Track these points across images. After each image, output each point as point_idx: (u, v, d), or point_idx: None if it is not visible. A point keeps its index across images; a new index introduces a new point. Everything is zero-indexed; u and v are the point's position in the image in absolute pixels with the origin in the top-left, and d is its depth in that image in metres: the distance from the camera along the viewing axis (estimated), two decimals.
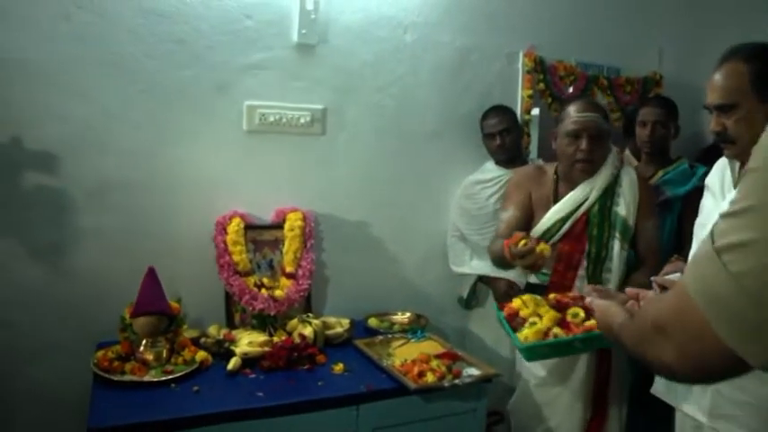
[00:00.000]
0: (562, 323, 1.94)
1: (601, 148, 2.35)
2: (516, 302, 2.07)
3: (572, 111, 2.36)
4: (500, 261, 2.39)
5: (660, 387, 2.03)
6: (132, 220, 2.46)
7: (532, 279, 2.44)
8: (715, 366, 0.79)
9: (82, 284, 2.41)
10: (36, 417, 2.36)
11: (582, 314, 1.94)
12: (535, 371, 2.35)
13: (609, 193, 2.36)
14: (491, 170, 3.01)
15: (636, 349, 0.97)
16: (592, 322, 1.88)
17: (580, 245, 2.35)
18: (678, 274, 1.87)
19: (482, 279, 2.98)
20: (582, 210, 2.35)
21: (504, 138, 2.93)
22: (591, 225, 2.35)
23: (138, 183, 2.46)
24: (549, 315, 1.95)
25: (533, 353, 1.94)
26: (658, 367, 0.90)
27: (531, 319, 1.97)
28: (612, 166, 2.39)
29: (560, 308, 2.01)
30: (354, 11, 2.79)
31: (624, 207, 2.35)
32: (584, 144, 2.30)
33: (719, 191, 1.89)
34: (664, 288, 1.82)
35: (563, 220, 2.36)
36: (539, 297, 2.10)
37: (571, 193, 2.37)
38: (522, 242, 2.06)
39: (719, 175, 1.93)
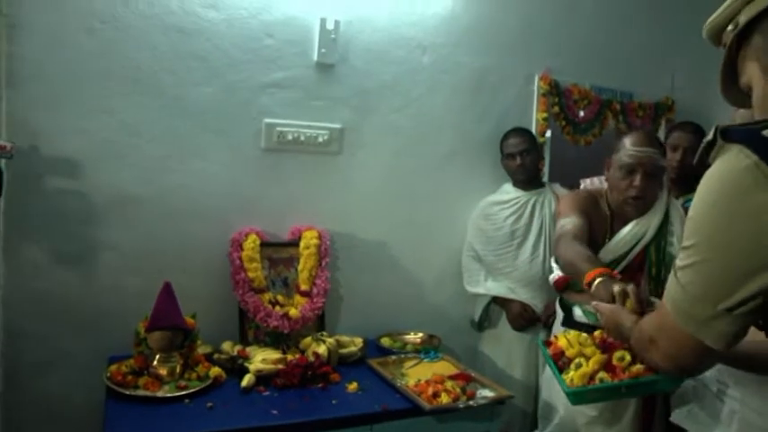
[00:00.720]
0: (607, 366, 1.86)
1: (654, 185, 2.25)
2: (562, 341, 1.97)
3: (628, 143, 2.23)
4: (571, 264, 2.16)
5: (679, 417, 2.00)
6: (149, 235, 2.48)
7: (584, 318, 2.32)
8: (689, 359, 1.13)
9: (96, 297, 2.41)
10: (45, 428, 2.36)
11: (628, 357, 1.87)
12: (586, 410, 2.25)
13: (663, 232, 2.27)
14: (509, 191, 3.03)
15: (640, 354, 1.39)
16: (639, 367, 1.81)
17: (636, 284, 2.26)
18: None
19: (495, 300, 2.97)
20: (637, 249, 2.26)
21: (524, 158, 2.94)
22: (649, 266, 2.27)
23: (156, 197, 2.48)
24: (595, 358, 1.87)
25: (580, 398, 1.88)
26: (654, 367, 1.41)
27: (576, 361, 1.89)
28: (665, 203, 2.30)
29: (606, 348, 1.94)
30: (373, 31, 2.81)
31: (678, 245, 2.23)
32: (637, 180, 2.18)
33: None
34: None
35: (618, 261, 2.25)
36: (584, 335, 2.01)
37: (626, 230, 2.26)
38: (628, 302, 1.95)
39: None
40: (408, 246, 2.99)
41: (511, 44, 3.14)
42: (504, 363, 2.91)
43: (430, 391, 2.13)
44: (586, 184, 2.95)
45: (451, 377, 2.28)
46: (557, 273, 2.46)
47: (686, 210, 2.74)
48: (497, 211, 2.98)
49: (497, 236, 2.93)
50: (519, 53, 3.16)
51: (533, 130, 3.19)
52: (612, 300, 1.78)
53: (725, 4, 1.14)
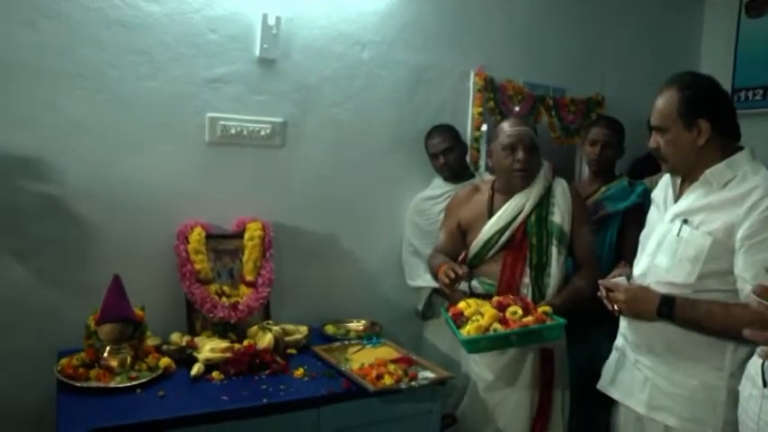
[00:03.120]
0: (502, 320, 2.16)
1: (535, 158, 2.51)
2: (462, 304, 2.31)
3: (506, 127, 2.53)
4: (433, 275, 2.59)
5: (605, 383, 2.19)
6: (95, 229, 2.49)
7: (481, 289, 2.55)
8: None
9: (43, 293, 2.42)
10: None
11: (520, 312, 2.18)
12: (483, 375, 2.46)
13: (544, 204, 2.51)
14: (439, 186, 3.15)
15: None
16: (528, 318, 2.15)
17: (522, 253, 2.48)
18: (623, 277, 2.04)
19: (437, 291, 3.06)
20: (519, 220, 2.49)
21: (447, 156, 3.06)
22: (530, 234, 2.49)
23: (102, 192, 2.49)
24: (489, 313, 2.18)
25: (474, 345, 2.17)
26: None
27: (473, 318, 2.17)
28: (545, 178, 2.54)
29: (502, 308, 2.24)
30: (314, 27, 2.89)
31: (559, 215, 2.50)
32: (520, 155, 2.45)
33: (663, 204, 2.08)
34: (609, 290, 2.00)
35: (500, 232, 2.49)
36: (482, 300, 2.32)
37: (506, 205, 2.52)
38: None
39: (664, 190, 2.12)
40: (350, 236, 3.09)
41: (447, 42, 3.26)
42: (449, 349, 2.97)
43: (373, 373, 2.23)
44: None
45: (394, 361, 2.38)
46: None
47: (607, 198, 2.96)
48: (430, 207, 3.11)
49: (432, 230, 3.03)
50: (455, 50, 3.29)
51: (469, 125, 3.34)
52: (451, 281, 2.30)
53: None
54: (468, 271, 2.45)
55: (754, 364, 1.45)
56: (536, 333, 2.16)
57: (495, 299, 2.31)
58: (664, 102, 1.92)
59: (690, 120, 1.88)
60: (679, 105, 1.89)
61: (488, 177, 3.10)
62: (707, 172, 1.88)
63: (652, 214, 2.16)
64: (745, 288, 1.72)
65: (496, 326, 2.13)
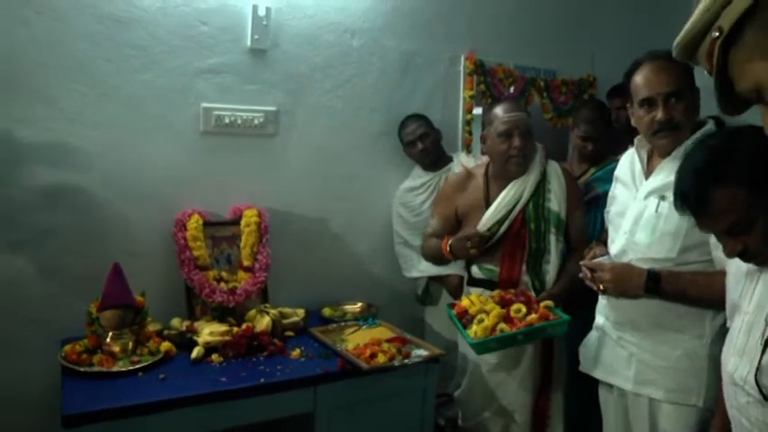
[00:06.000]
0: (506, 318, 2.21)
1: (531, 143, 2.52)
2: (465, 302, 2.35)
3: (500, 112, 2.51)
4: (435, 258, 2.65)
5: (586, 365, 2.25)
6: (94, 219, 2.56)
7: (482, 274, 2.60)
8: None
9: (42, 283, 2.49)
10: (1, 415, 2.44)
11: (524, 310, 2.22)
12: (487, 358, 2.50)
13: (540, 190, 2.53)
14: (420, 176, 3.19)
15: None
16: (532, 317, 2.20)
17: (521, 241, 2.51)
18: (607, 257, 2.10)
19: (434, 278, 3.12)
20: (518, 209, 2.51)
21: (424, 142, 3.09)
22: (528, 222, 2.51)
23: (100, 183, 2.56)
24: (494, 312, 2.22)
25: (483, 347, 2.22)
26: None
27: (478, 317, 2.23)
28: (540, 163, 2.56)
29: (504, 304, 2.29)
30: (303, 17, 2.94)
31: (556, 202, 2.53)
32: (516, 141, 2.45)
33: (631, 181, 2.11)
34: (593, 270, 2.05)
35: (500, 222, 2.50)
36: (484, 295, 2.37)
37: (503, 194, 2.52)
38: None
39: (629, 167, 2.15)
40: (344, 220, 3.15)
41: (436, 27, 3.30)
42: (448, 332, 2.97)
43: (367, 352, 2.31)
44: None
45: (388, 340, 2.46)
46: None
47: (596, 179, 3.00)
48: (413, 198, 3.16)
49: (419, 221, 3.07)
50: (444, 35, 3.33)
51: (461, 108, 3.39)
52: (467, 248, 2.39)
53: (696, 17, 1.06)
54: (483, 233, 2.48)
55: (738, 373, 1.47)
56: (541, 330, 2.21)
57: (498, 293, 2.36)
58: (671, 69, 1.91)
59: (695, 87, 1.94)
60: (686, 71, 1.90)
61: (465, 159, 3.14)
62: (679, 148, 1.92)
63: (619, 192, 2.19)
64: (718, 255, 1.78)
65: (502, 325, 2.18)
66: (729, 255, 1.45)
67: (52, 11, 2.43)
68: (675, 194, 1.48)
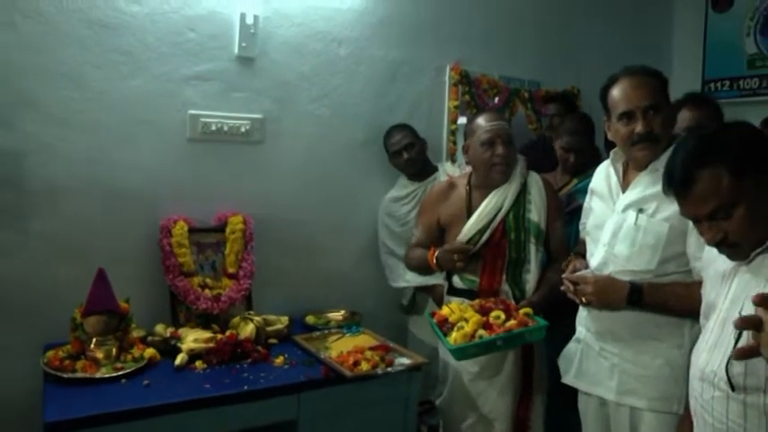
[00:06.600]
0: (486, 325, 2.24)
1: (512, 150, 2.55)
2: (445, 310, 2.38)
3: (482, 122, 2.54)
4: (420, 268, 2.67)
5: (570, 377, 2.28)
6: (79, 225, 2.56)
7: (462, 285, 2.61)
8: None
9: (28, 288, 2.48)
10: None
11: (503, 316, 2.25)
12: (468, 367, 2.52)
13: (521, 201, 2.56)
14: (405, 186, 3.21)
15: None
16: (511, 323, 2.23)
17: (501, 250, 2.53)
18: (589, 270, 2.13)
19: (419, 288, 3.13)
20: (498, 218, 2.53)
21: (410, 152, 3.12)
22: (509, 231, 2.54)
23: (85, 188, 2.56)
24: (474, 319, 2.25)
25: (462, 353, 2.24)
26: None
27: (458, 324, 2.25)
28: (521, 174, 2.59)
29: (484, 312, 2.31)
30: (291, 25, 2.96)
31: (536, 213, 2.55)
32: (500, 149, 2.48)
33: (608, 194, 2.15)
34: (575, 283, 2.08)
35: (481, 231, 2.52)
36: (464, 304, 2.40)
37: (485, 203, 2.54)
38: None
39: (605, 179, 2.19)
40: (329, 228, 3.17)
41: (422, 37, 3.35)
42: (432, 340, 2.90)
43: (351, 360, 2.32)
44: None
45: (371, 348, 2.48)
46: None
47: (578, 191, 3.03)
48: (399, 207, 3.18)
49: (404, 230, 3.09)
50: (430, 45, 3.37)
51: (445, 118, 3.43)
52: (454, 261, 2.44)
53: None
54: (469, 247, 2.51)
55: (710, 366, 1.51)
56: (520, 336, 2.23)
57: (478, 302, 2.38)
58: (647, 84, 1.97)
59: (668, 100, 2.00)
60: (662, 85, 1.98)
61: (450, 169, 3.17)
62: (655, 162, 1.97)
63: (596, 205, 2.22)
64: (697, 266, 1.83)
65: (482, 332, 2.20)
66: (710, 242, 1.49)
67: (39, 15, 2.43)
68: (663, 176, 1.53)
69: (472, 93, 3.48)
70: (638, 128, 1.96)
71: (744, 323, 1.20)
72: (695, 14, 4.26)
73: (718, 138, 1.47)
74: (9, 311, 2.45)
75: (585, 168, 3.14)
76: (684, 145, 1.50)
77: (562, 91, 3.82)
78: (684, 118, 2.49)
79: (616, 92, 2.01)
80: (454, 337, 2.21)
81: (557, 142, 3.21)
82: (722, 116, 2.67)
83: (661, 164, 1.92)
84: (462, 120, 3.47)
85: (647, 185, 2.00)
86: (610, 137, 2.10)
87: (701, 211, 1.45)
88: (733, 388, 1.41)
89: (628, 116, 1.98)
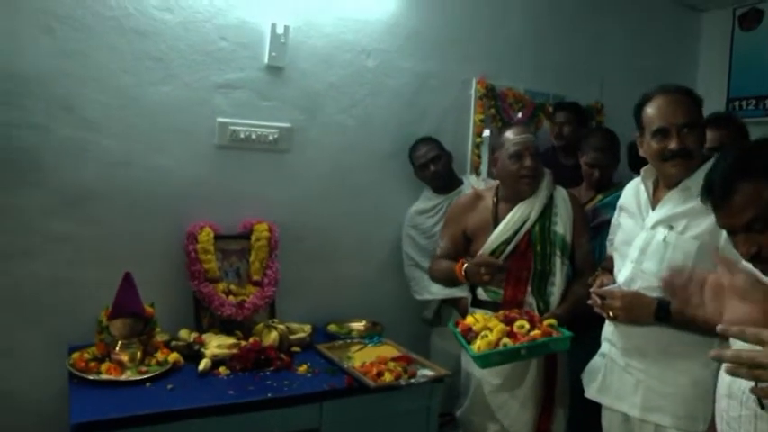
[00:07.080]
0: (510, 334, 2.24)
1: (539, 163, 2.58)
2: (469, 319, 2.38)
3: (510, 135, 2.58)
4: (446, 280, 2.70)
5: (593, 392, 2.26)
6: (107, 228, 2.58)
7: (486, 296, 2.60)
8: None
9: (54, 290, 2.50)
10: (6, 421, 2.45)
11: (527, 326, 2.24)
12: (490, 379, 2.52)
13: (547, 214, 2.57)
14: (430, 198, 3.21)
15: None
16: (535, 332, 2.23)
17: (527, 262, 2.54)
18: (617, 285, 2.12)
19: (445, 301, 3.10)
20: (524, 230, 2.54)
21: (436, 165, 3.12)
22: (534, 244, 2.54)
23: (115, 192, 2.59)
24: (498, 328, 2.25)
25: (486, 360, 2.23)
26: None
27: (482, 333, 2.25)
28: (547, 188, 2.60)
29: (508, 322, 2.31)
30: (321, 36, 2.99)
31: (562, 226, 2.56)
32: (528, 161, 2.51)
33: (637, 211, 2.15)
34: (602, 297, 2.08)
35: (506, 242, 2.54)
36: (489, 314, 2.40)
37: (511, 215, 2.55)
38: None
39: (634, 197, 2.19)
40: (353, 238, 3.18)
41: (449, 50, 3.36)
42: (455, 351, 2.85)
43: (374, 371, 2.32)
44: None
45: (394, 359, 2.48)
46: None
47: (604, 206, 3.02)
48: (424, 220, 3.19)
49: (429, 243, 3.09)
50: (457, 59, 3.38)
51: (471, 131, 3.43)
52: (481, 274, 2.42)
53: None
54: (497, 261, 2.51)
55: (738, 384, 1.50)
56: (544, 346, 2.23)
57: (502, 312, 2.38)
58: (684, 102, 1.99)
59: (702, 117, 2.01)
60: (697, 105, 1.99)
61: (476, 182, 3.17)
62: (686, 180, 1.97)
63: (624, 221, 2.23)
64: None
65: (506, 340, 2.20)
66: (744, 255, 1.47)
67: (75, 21, 2.47)
68: (702, 187, 1.53)
69: (498, 106, 3.49)
70: (672, 144, 1.96)
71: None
72: (722, 33, 4.23)
73: (760, 150, 1.48)
74: (36, 312, 2.48)
75: (610, 183, 3.15)
76: (725, 157, 1.50)
77: (573, 101, 3.80)
78: (708, 139, 2.48)
79: (651, 109, 2.01)
80: (478, 344, 2.21)
81: (581, 158, 3.20)
82: (747, 135, 2.66)
83: (692, 182, 1.93)
84: (486, 132, 3.48)
85: (677, 203, 2.00)
86: (641, 153, 2.09)
87: (738, 222, 1.44)
88: (762, 406, 1.39)
89: (662, 133, 1.98)
